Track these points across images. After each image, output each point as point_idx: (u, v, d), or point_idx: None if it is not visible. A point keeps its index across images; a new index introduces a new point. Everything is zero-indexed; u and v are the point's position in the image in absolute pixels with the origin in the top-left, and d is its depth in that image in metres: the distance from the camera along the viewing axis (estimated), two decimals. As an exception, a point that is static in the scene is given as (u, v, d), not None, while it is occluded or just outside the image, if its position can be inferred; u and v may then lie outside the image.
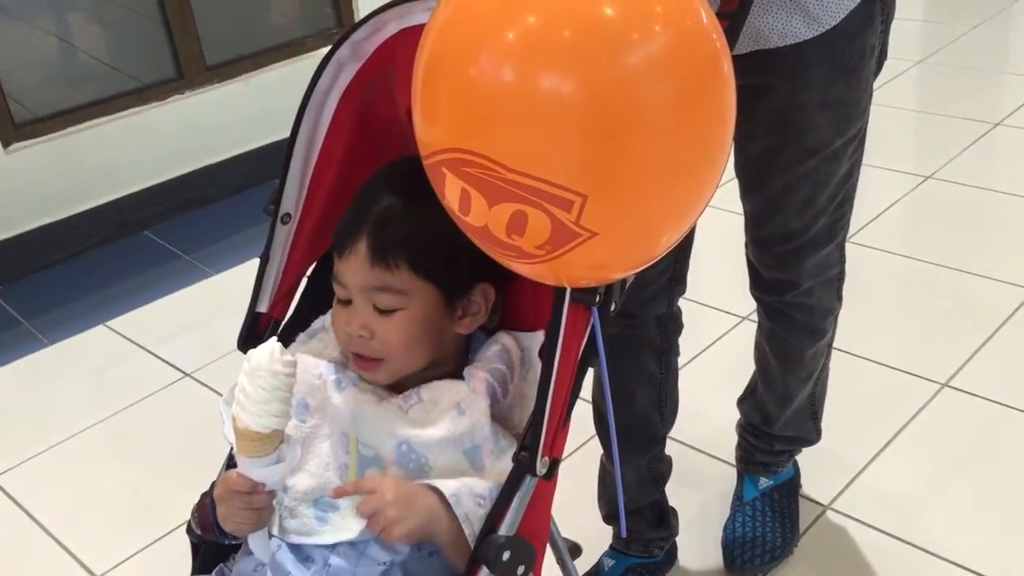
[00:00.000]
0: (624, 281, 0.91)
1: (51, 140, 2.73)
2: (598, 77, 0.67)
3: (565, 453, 0.98)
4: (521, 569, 0.92)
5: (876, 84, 1.29)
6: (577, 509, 1.59)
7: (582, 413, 0.97)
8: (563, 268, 0.77)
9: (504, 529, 0.91)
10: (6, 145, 2.65)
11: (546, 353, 0.89)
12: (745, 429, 1.65)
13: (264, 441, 0.92)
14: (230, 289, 2.54)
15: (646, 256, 0.79)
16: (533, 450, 0.89)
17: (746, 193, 1.36)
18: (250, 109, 3.04)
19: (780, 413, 1.57)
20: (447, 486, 0.93)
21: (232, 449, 1.08)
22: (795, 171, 1.28)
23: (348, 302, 1.00)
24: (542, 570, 1.00)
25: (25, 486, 1.96)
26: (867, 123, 1.31)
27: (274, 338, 0.95)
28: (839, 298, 1.48)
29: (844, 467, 1.78)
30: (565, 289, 0.86)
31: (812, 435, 1.64)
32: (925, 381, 1.96)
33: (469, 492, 0.94)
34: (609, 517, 1.59)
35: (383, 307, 0.98)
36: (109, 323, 2.48)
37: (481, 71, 0.68)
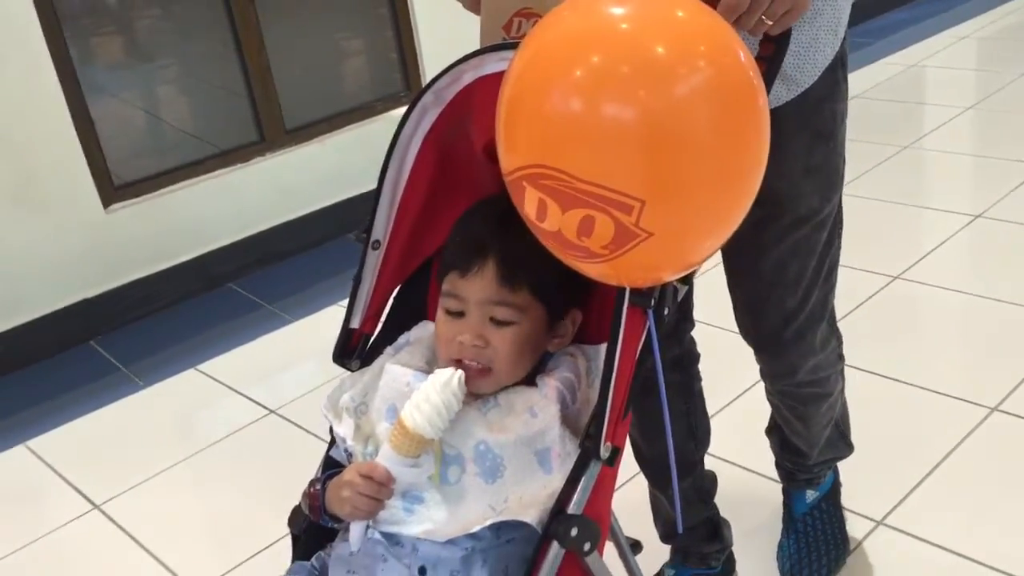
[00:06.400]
0: (676, 292, 1.04)
1: (145, 201, 2.92)
2: (651, 104, 0.81)
3: (617, 484, 1.11)
4: (587, 546, 1.02)
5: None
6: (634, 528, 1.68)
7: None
8: (623, 267, 0.90)
9: (572, 508, 1.02)
10: (106, 205, 2.85)
11: (608, 349, 1.01)
12: (781, 456, 1.70)
13: (422, 444, 1.05)
14: (308, 335, 2.66)
15: (693, 258, 0.92)
16: (597, 437, 1.01)
17: (736, 280, 1.39)
18: (326, 168, 3.22)
19: (811, 451, 1.62)
20: None
21: (330, 449, 1.22)
22: (787, 241, 1.31)
23: (459, 314, 1.11)
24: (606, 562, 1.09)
25: (128, 511, 2.11)
26: (842, 191, 1.35)
27: (454, 367, 1.08)
28: (840, 358, 1.53)
29: (896, 487, 1.83)
30: (624, 295, 0.99)
31: (844, 451, 1.70)
32: (975, 406, 2.01)
33: None
34: (666, 537, 1.65)
35: (500, 318, 1.09)
36: (199, 367, 2.64)
37: (554, 102, 0.83)
